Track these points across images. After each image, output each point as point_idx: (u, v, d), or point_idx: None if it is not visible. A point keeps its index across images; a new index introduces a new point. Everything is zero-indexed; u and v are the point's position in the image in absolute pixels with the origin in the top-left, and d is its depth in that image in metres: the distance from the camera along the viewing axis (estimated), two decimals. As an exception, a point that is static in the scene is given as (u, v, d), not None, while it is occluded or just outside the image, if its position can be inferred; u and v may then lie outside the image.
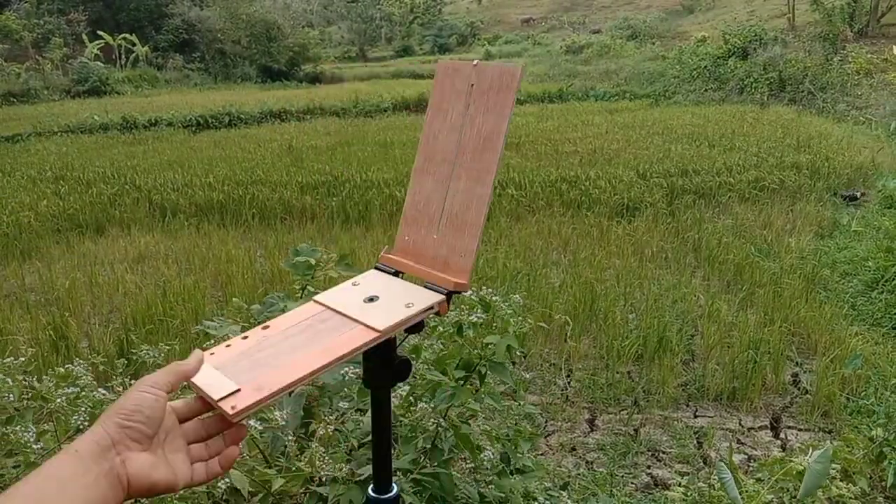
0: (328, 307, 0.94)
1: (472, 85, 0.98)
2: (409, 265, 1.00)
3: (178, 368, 0.76)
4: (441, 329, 1.81)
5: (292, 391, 0.95)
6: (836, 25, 19.14)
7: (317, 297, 0.97)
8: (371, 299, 0.94)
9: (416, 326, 0.92)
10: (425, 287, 0.95)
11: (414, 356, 1.84)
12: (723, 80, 18.77)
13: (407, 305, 0.91)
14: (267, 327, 0.91)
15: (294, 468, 1.51)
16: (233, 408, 0.74)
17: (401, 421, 1.70)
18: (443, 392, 1.62)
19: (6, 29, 26.92)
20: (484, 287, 1.84)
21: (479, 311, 1.76)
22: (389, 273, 1.01)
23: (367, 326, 0.88)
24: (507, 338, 1.67)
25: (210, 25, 29.64)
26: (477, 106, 0.97)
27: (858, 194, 8.79)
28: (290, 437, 1.56)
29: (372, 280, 1.00)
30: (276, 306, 1.71)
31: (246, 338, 0.89)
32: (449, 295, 0.93)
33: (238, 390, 0.77)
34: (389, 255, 1.03)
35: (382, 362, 0.93)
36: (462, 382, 1.66)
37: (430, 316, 0.94)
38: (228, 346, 0.88)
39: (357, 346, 0.85)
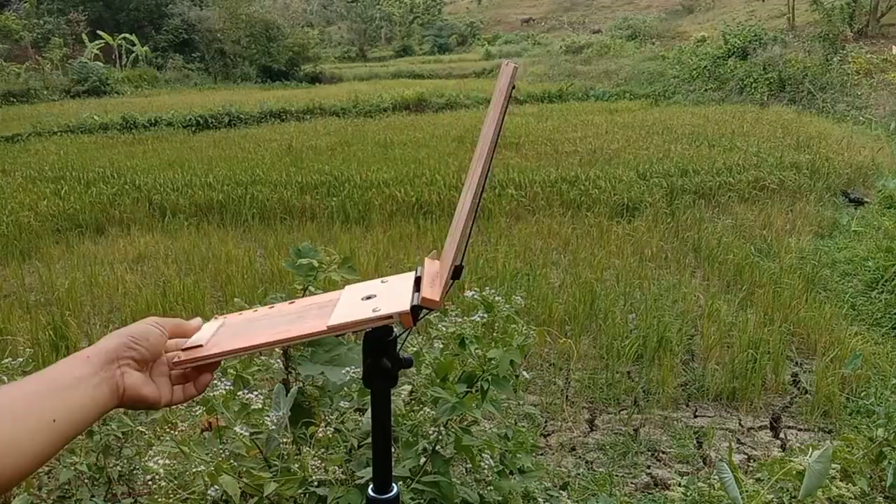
0: (339, 298, 0.97)
1: (501, 87, 0.96)
2: (431, 271, 0.98)
3: (182, 324, 0.90)
4: (443, 329, 1.80)
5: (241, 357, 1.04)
6: (836, 25, 19.14)
7: (349, 286, 1.01)
8: (368, 297, 0.94)
9: (384, 329, 0.91)
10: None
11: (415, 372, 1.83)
12: (723, 80, 18.78)
13: (374, 310, 0.89)
14: (293, 303, 1.01)
15: (290, 470, 1.51)
16: (177, 357, 0.86)
17: (401, 424, 1.69)
18: (444, 404, 1.59)
19: (6, 29, 26.93)
20: (487, 287, 1.84)
21: (481, 311, 1.75)
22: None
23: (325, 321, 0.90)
24: (511, 352, 1.63)
25: (210, 25, 29.63)
26: (493, 104, 0.97)
27: (866, 200, 8.72)
28: (286, 439, 1.55)
29: (397, 280, 0.99)
30: (275, 307, 1.70)
31: (256, 311, 1.01)
32: (416, 309, 0.87)
33: (200, 346, 0.88)
34: (427, 258, 1.02)
35: (383, 360, 0.93)
36: (463, 396, 1.63)
37: (425, 321, 0.93)
38: (241, 314, 0.99)
39: (295, 336, 0.89)
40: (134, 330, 0.83)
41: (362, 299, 0.94)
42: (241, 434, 1.49)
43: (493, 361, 1.62)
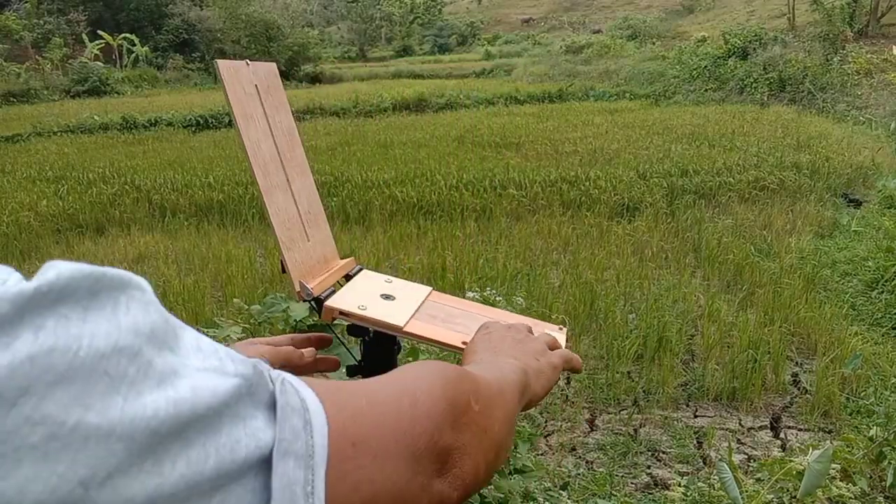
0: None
1: (257, 85, 0.93)
2: (324, 280, 0.92)
3: (291, 355, 0.79)
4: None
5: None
6: (836, 25, 19.14)
7: (347, 288, 0.94)
8: (387, 297, 0.94)
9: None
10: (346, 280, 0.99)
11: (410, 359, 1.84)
12: (723, 80, 18.77)
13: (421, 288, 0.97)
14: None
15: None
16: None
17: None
18: None
19: (6, 29, 26.93)
20: (488, 288, 1.84)
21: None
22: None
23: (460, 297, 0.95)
24: None
25: (210, 25, 29.66)
26: (269, 105, 0.95)
27: (864, 200, 8.73)
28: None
29: (354, 293, 0.94)
30: (276, 307, 1.71)
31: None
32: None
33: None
34: (312, 286, 0.90)
35: (388, 359, 0.93)
36: None
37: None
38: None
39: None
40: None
41: (382, 296, 0.94)
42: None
43: None
